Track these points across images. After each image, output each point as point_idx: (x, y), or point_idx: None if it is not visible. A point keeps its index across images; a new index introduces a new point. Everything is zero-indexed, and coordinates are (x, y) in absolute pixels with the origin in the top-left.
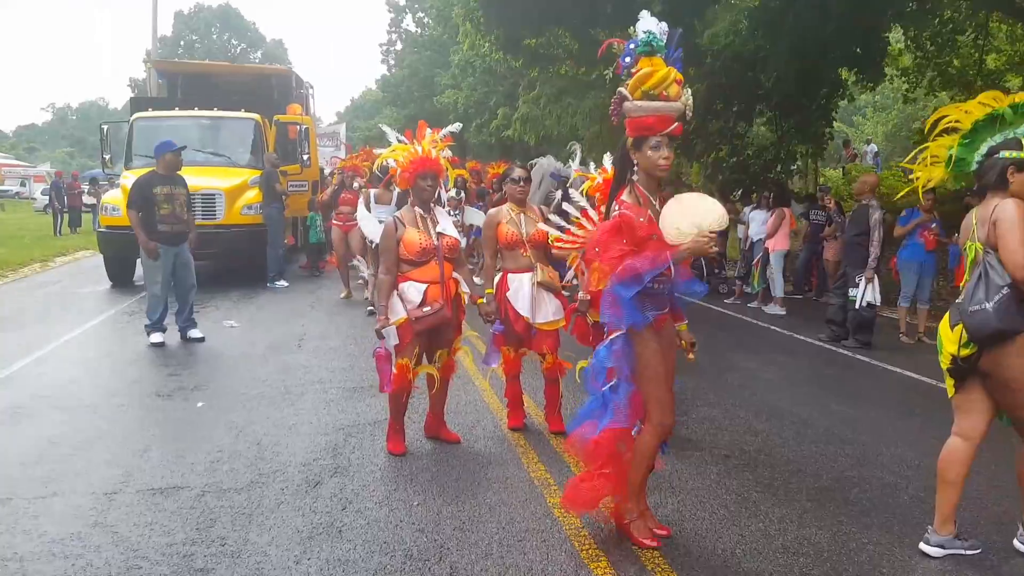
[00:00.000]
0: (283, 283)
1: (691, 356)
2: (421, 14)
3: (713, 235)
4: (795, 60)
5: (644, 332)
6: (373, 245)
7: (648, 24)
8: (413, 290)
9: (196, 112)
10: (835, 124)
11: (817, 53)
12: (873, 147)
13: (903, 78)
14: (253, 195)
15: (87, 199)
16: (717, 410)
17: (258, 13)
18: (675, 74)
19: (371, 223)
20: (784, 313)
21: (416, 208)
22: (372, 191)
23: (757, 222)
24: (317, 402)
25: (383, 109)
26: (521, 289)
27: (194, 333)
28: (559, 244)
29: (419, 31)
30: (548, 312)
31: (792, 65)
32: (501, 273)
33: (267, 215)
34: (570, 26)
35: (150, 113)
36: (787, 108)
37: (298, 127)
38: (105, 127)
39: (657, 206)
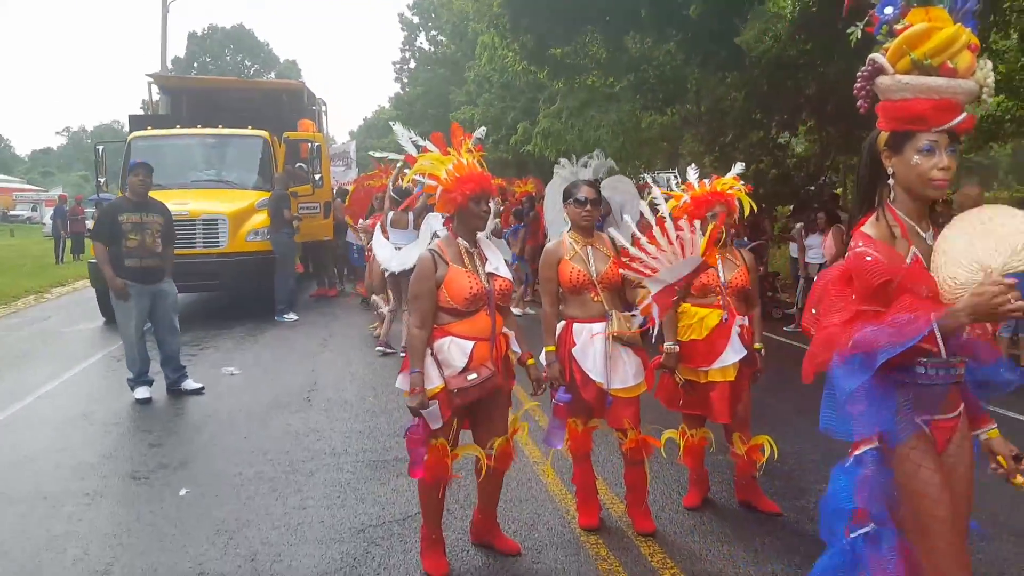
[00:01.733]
0: (292, 316)
1: (1019, 480)
2: (435, 32)
3: (1012, 282)
4: (839, 63)
5: (911, 448)
6: (387, 274)
7: None
8: (456, 350)
9: (199, 130)
10: None
11: (849, 59)
12: None
13: None
14: (260, 219)
15: (90, 224)
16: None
17: (271, 34)
18: (967, 35)
19: (386, 250)
20: None
21: (459, 240)
22: (389, 213)
23: (815, 247)
24: (330, 487)
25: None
26: (591, 344)
27: (188, 384)
28: (625, 262)
29: (432, 49)
30: (628, 374)
31: (835, 68)
32: (564, 324)
33: (276, 242)
34: (603, 30)
35: (149, 132)
36: (830, 116)
37: (310, 145)
38: (100, 148)
39: (929, 239)
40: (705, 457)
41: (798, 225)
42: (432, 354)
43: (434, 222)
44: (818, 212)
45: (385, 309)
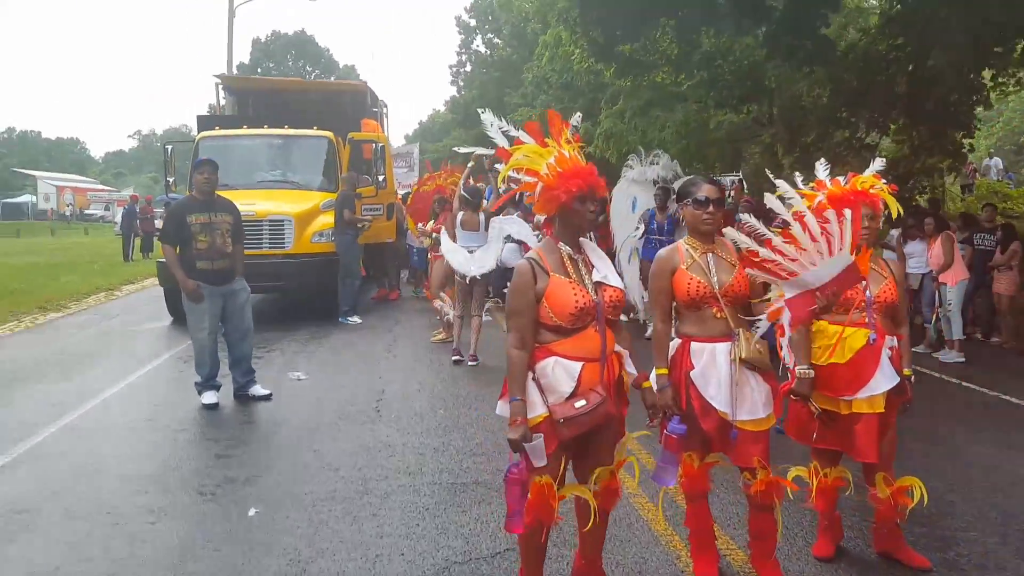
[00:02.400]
0: (356, 319)
1: None
2: (491, 35)
3: None
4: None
5: None
6: (467, 280)
7: None
8: (562, 373)
9: (265, 130)
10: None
11: (956, 52)
12: (997, 161)
13: None
14: (325, 221)
15: (159, 223)
16: (973, 531)
17: (331, 39)
18: None
19: (459, 255)
20: (964, 361)
21: (561, 245)
22: (459, 214)
23: (917, 255)
24: (408, 512)
25: (452, 130)
26: (713, 367)
27: (256, 390)
28: (756, 261)
29: (488, 52)
30: (756, 404)
31: (930, 63)
32: (679, 343)
33: (340, 243)
34: (677, 23)
35: (216, 132)
36: (919, 116)
37: (374, 145)
38: (169, 147)
39: None
40: (839, 500)
41: (894, 232)
42: (534, 378)
43: (506, 224)
44: (923, 218)
45: (452, 314)
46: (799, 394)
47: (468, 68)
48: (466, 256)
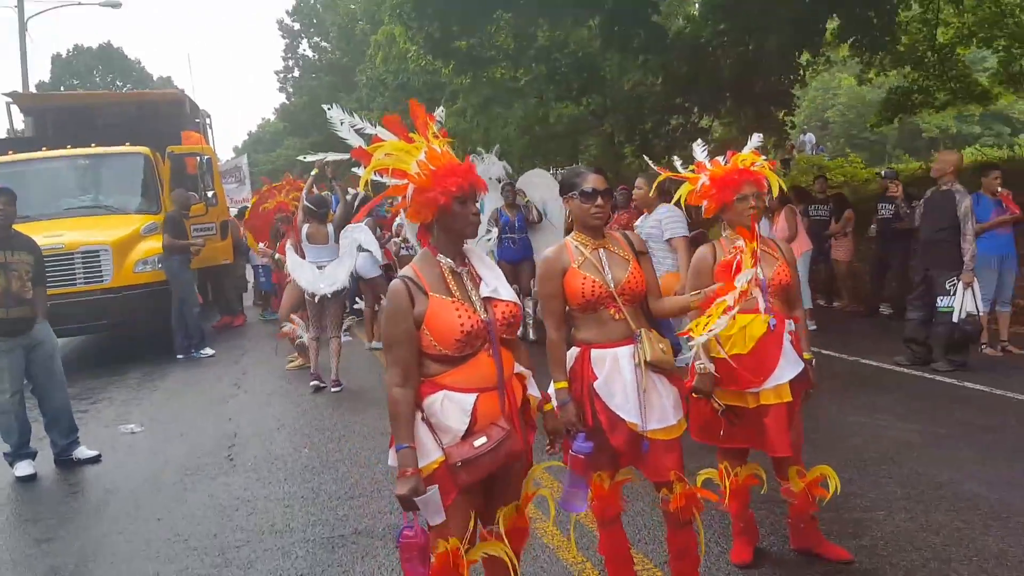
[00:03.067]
0: (208, 351)
1: None
2: (317, 38)
3: None
4: (750, 43)
5: None
6: (316, 299)
7: None
8: (453, 409)
9: (69, 151)
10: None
11: (781, 35)
12: (811, 136)
13: (855, 59)
14: (151, 246)
15: None
16: (879, 510)
17: (142, 51)
18: None
19: (307, 271)
20: (816, 328)
21: (440, 258)
22: (304, 227)
23: (760, 230)
24: None
25: (285, 140)
26: (618, 375)
27: (81, 452)
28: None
29: (316, 56)
30: (667, 409)
31: (749, 48)
32: (577, 352)
33: (168, 270)
34: (514, 16)
35: (9, 157)
36: (747, 98)
37: (198, 158)
38: None
39: None
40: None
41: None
42: (423, 418)
43: (358, 233)
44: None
45: (306, 337)
46: (700, 391)
47: (296, 73)
48: (315, 273)
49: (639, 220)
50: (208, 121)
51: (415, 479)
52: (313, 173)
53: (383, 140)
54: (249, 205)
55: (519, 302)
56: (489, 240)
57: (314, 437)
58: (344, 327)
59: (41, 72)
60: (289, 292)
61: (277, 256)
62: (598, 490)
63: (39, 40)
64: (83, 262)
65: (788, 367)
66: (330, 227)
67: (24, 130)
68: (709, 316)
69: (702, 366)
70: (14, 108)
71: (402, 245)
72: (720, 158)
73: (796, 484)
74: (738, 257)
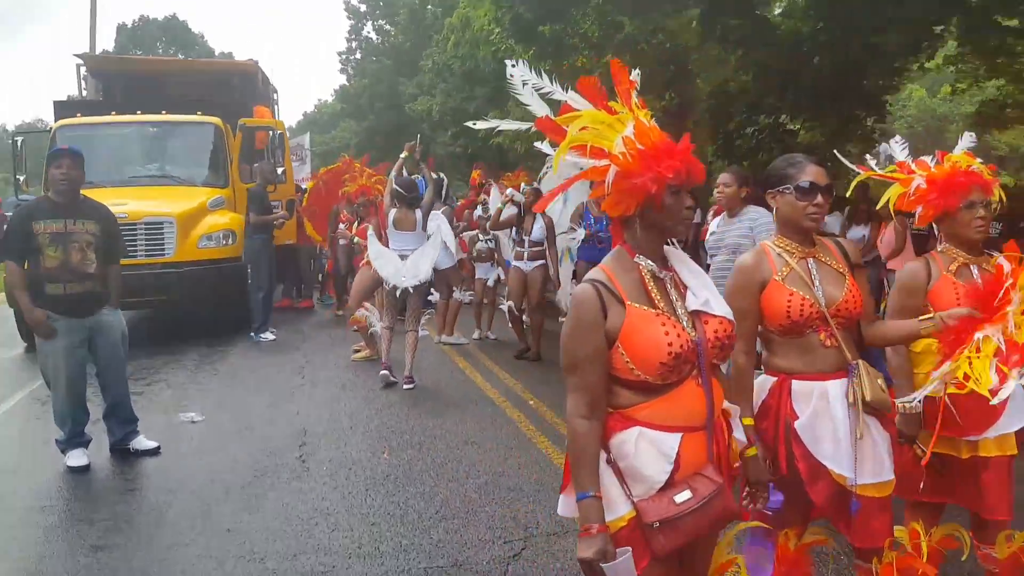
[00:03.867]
0: (269, 335)
1: None
2: (382, 21)
3: None
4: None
5: None
6: (398, 291)
7: None
8: (651, 451)
9: (138, 117)
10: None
11: (879, 37)
12: (886, 147)
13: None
14: (216, 221)
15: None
16: None
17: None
18: None
19: (390, 262)
20: None
21: (639, 259)
22: (391, 211)
23: (857, 242)
24: None
25: (341, 122)
26: (827, 416)
27: (140, 443)
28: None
29: (380, 39)
30: (882, 461)
31: (844, 48)
32: (772, 381)
33: (250, 248)
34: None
35: (78, 120)
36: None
37: (269, 133)
38: (19, 139)
39: None
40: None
41: (829, 219)
42: (609, 460)
43: (438, 221)
44: (860, 204)
45: (379, 326)
46: (904, 435)
47: (358, 56)
48: (397, 262)
49: (714, 223)
50: (276, 97)
51: (603, 539)
52: (403, 156)
53: (573, 109)
54: (307, 186)
55: (733, 318)
56: (573, 239)
57: (392, 441)
58: (423, 321)
59: (105, 41)
60: (360, 278)
61: (357, 240)
62: (782, 552)
63: (106, 6)
64: (146, 234)
65: (1017, 415)
66: (418, 213)
67: (89, 94)
68: (977, 357)
69: (907, 405)
70: (84, 72)
71: (479, 236)
72: (926, 157)
73: (1002, 551)
74: (1007, 282)
